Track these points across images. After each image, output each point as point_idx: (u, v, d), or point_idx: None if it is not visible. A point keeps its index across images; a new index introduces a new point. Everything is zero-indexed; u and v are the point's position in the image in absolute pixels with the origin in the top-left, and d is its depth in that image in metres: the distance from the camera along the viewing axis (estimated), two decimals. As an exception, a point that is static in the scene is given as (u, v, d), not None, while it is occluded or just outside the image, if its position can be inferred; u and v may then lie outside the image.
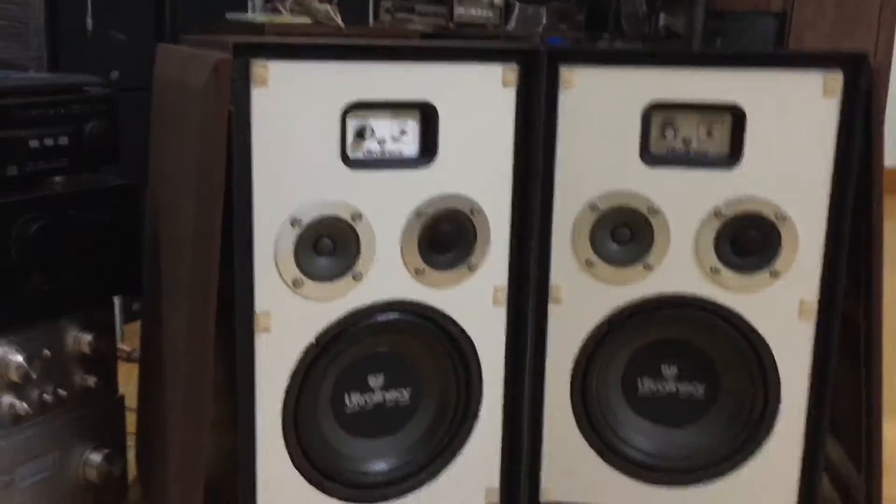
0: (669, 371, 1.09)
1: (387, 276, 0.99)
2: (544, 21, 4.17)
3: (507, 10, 3.78)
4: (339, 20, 1.72)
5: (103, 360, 1.07)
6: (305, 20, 1.74)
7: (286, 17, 1.74)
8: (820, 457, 1.06)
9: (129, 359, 1.47)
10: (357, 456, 1.04)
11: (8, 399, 0.97)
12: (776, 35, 5.60)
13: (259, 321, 0.94)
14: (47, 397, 1.01)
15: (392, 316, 1.00)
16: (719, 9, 5.67)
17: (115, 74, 1.77)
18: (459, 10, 3.31)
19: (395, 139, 0.98)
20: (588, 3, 4.59)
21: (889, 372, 1.67)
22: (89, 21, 1.70)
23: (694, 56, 1.00)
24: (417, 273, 1.00)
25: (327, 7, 1.71)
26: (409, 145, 0.99)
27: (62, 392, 1.02)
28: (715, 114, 1.01)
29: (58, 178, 1.01)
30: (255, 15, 1.74)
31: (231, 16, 1.76)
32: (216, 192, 0.85)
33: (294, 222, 0.93)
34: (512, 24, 3.83)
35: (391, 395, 1.05)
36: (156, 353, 1.08)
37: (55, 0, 1.66)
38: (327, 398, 1.02)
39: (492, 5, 3.59)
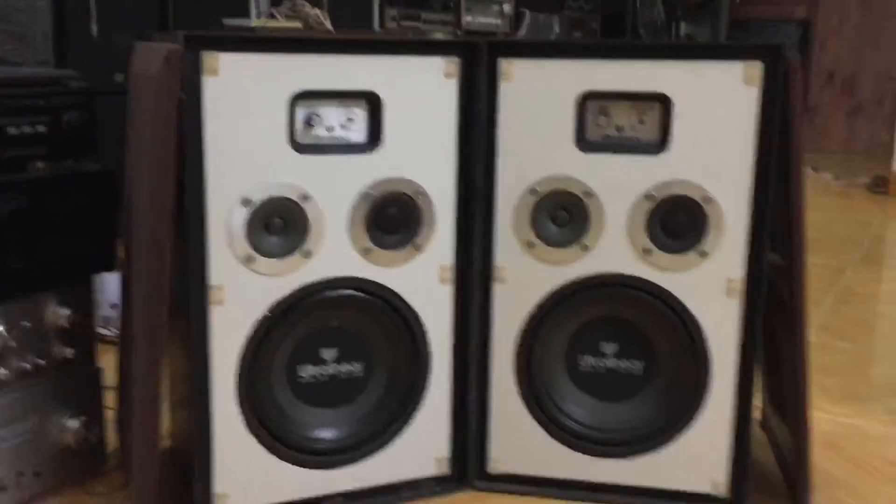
0: (609, 348, 1.15)
1: (336, 254, 1.06)
2: (557, 29, 4.23)
3: (517, 18, 3.85)
4: (328, 24, 1.81)
5: (80, 334, 1.15)
6: (297, 24, 1.83)
7: (279, 22, 1.84)
8: (748, 428, 1.11)
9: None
10: (311, 424, 1.11)
11: (-11, 365, 1.06)
12: (800, 42, 5.60)
13: (213, 294, 1.01)
14: (26, 366, 1.10)
15: (341, 292, 1.08)
16: (743, 17, 5.70)
17: (119, 77, 1.88)
18: (467, 18, 3.39)
19: (343, 126, 1.05)
20: (604, 10, 4.65)
21: (860, 358, 1.71)
22: (94, 27, 1.81)
23: (625, 48, 1.06)
24: (365, 252, 1.07)
25: (317, 12, 1.79)
26: (357, 132, 1.06)
27: (41, 362, 1.11)
28: (645, 102, 1.07)
29: (39, 165, 1.10)
30: (250, 20, 1.83)
31: (227, 21, 1.86)
32: (167, 173, 0.93)
33: (245, 202, 1.01)
34: (522, 32, 3.90)
35: (344, 368, 1.12)
36: (127, 329, 1.16)
37: (61, 6, 1.77)
38: (282, 369, 1.09)
39: (501, 13, 3.66)
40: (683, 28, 5.08)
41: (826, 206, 3.52)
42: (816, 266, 2.44)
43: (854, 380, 1.62)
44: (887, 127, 4.86)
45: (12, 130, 1.05)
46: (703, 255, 1.08)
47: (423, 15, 3.06)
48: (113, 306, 1.70)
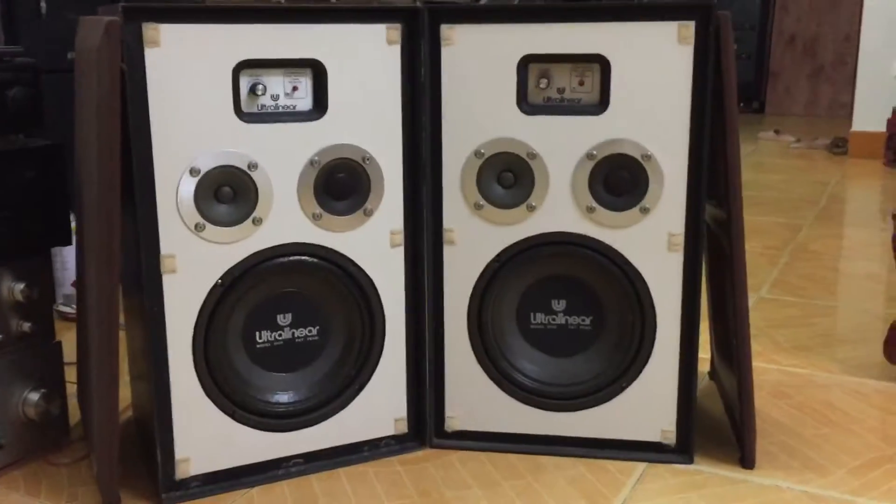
0: (559, 305, 1.18)
1: (286, 221, 1.08)
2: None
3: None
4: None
5: (38, 308, 1.17)
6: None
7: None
8: (694, 378, 1.15)
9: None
10: (268, 388, 1.14)
11: (-54, 341, 1.07)
12: (762, 5, 5.64)
13: (165, 263, 1.03)
14: (-16, 340, 1.11)
15: (292, 258, 1.10)
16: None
17: (71, 55, 1.87)
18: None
19: (288, 95, 1.07)
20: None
21: (810, 311, 1.76)
22: (43, 4, 1.80)
23: (563, 11, 1.08)
24: (315, 218, 1.09)
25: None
26: (303, 100, 1.08)
27: (-1, 336, 1.13)
28: (585, 64, 1.10)
29: (-13, 141, 1.11)
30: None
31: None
32: (113, 145, 0.95)
33: (193, 172, 1.02)
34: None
35: (300, 333, 1.15)
36: (83, 302, 1.18)
37: (10, -15, 1.76)
38: (238, 335, 1.11)
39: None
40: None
41: (786, 167, 3.58)
42: (773, 225, 2.49)
43: (803, 332, 1.67)
44: (848, 88, 4.92)
45: (-42, 107, 1.05)
46: (645, 211, 1.11)
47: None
48: (74, 284, 1.71)
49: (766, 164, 3.66)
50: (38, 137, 1.17)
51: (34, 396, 1.17)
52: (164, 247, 1.03)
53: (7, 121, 1.10)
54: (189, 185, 1.02)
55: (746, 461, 1.16)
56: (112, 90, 0.93)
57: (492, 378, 1.19)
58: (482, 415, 1.21)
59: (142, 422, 1.21)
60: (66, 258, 1.71)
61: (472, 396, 1.20)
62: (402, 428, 1.21)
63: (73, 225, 1.19)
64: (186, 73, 0.99)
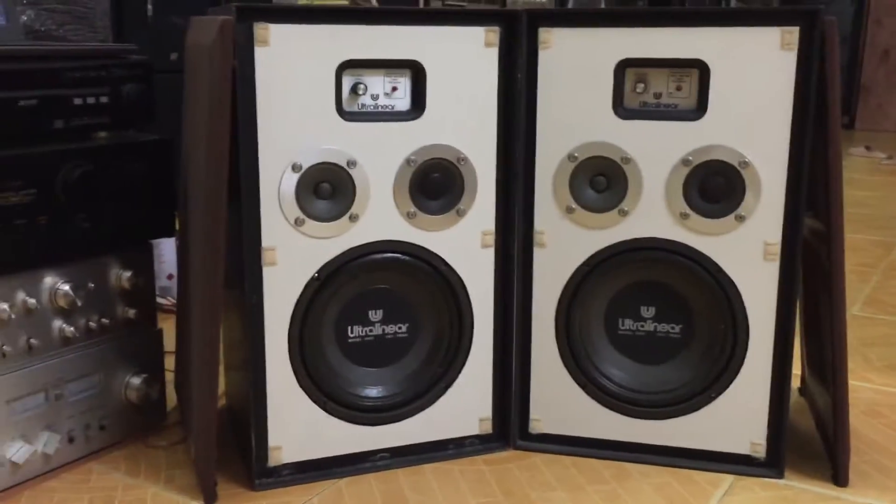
0: (648, 312, 1.18)
1: (381, 218, 1.10)
2: (603, 5, 4.21)
3: (562, -4, 3.85)
4: (374, 1, 1.85)
5: (142, 296, 1.22)
6: (343, 2, 1.87)
7: (326, 1, 1.88)
8: (786, 390, 1.13)
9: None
10: (358, 382, 1.16)
11: (58, 323, 1.13)
12: (854, 18, 5.48)
13: (265, 256, 1.07)
14: (92, 324, 1.16)
15: (386, 255, 1.12)
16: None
17: (174, 56, 1.94)
18: (512, -1, 3.41)
19: (387, 94, 1.09)
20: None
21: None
22: (149, 7, 1.87)
23: (661, 15, 1.08)
24: (409, 216, 1.12)
25: (364, -9, 1.83)
26: (401, 100, 1.10)
27: (105, 321, 1.18)
28: (683, 69, 1.09)
29: (102, 134, 1.16)
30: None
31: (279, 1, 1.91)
32: (222, 140, 0.98)
33: (295, 167, 1.05)
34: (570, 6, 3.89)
35: (390, 329, 1.17)
36: (185, 296, 1.22)
37: (119, -12, 1.84)
38: (331, 329, 1.14)
39: (546, -8, 3.67)
40: (733, 2, 5.01)
41: (877, 184, 3.47)
42: (866, 242, 2.41)
43: (898, 351, 1.62)
44: (945, 105, 4.74)
45: (77, 101, 1.11)
46: (741, 219, 1.09)
47: (468, -5, 3.10)
48: (170, 277, 1.77)
49: (857, 180, 3.55)
50: (148, 133, 1.22)
51: (136, 381, 1.22)
52: (266, 240, 1.06)
53: (121, 116, 1.16)
54: (291, 181, 1.05)
55: (840, 478, 1.13)
56: (224, 86, 0.97)
57: (577, 382, 1.19)
58: (567, 418, 1.21)
59: (235, 410, 1.25)
60: (163, 251, 1.78)
61: (558, 400, 1.20)
62: (487, 428, 1.22)
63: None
64: (293, 71, 1.03)
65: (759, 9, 0.99)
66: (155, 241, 1.35)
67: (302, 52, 1.03)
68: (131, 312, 1.20)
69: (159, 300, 1.77)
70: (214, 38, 0.96)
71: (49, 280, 1.11)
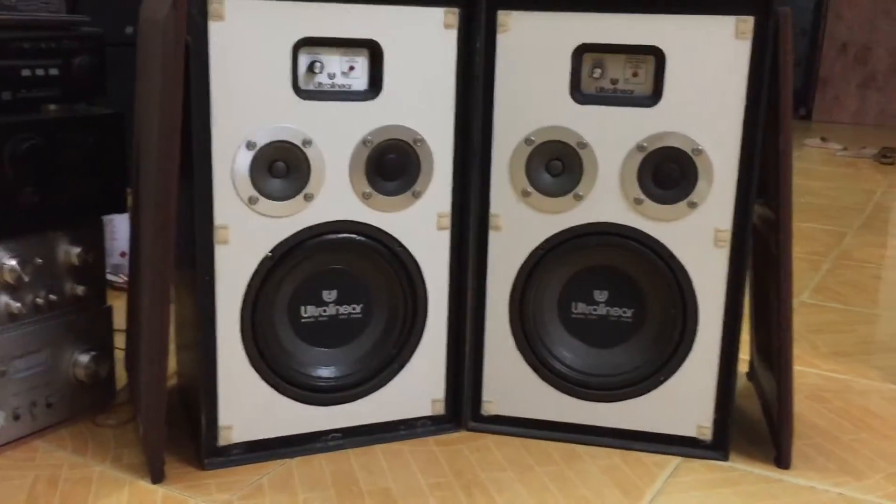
0: (601, 296, 1.19)
1: (336, 198, 1.10)
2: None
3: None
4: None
5: (91, 273, 1.20)
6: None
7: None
8: (733, 375, 1.15)
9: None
10: (311, 362, 1.16)
11: (4, 298, 1.11)
12: (815, 12, 5.56)
13: (218, 234, 1.05)
14: (39, 301, 1.14)
15: (341, 235, 1.11)
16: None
17: (129, 29, 1.91)
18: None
19: (344, 74, 1.08)
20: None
21: (851, 318, 1.75)
22: (105, -21, 1.83)
23: (620, 2, 1.08)
24: (365, 197, 1.11)
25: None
26: (358, 80, 1.09)
27: (53, 297, 1.16)
28: (639, 55, 1.10)
29: (52, 107, 1.14)
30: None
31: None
32: (175, 116, 0.97)
33: (250, 145, 1.04)
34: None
35: (344, 309, 1.16)
36: (135, 271, 1.21)
37: (74, -42, 1.80)
38: (284, 308, 1.13)
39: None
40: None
41: (831, 175, 3.53)
42: (817, 231, 2.46)
43: (843, 338, 1.66)
44: (899, 99, 4.84)
45: (26, 73, 1.08)
46: (693, 205, 1.11)
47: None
48: (122, 254, 1.75)
49: (812, 170, 3.62)
50: (100, 107, 1.20)
51: (84, 358, 1.20)
52: (219, 218, 1.05)
53: (71, 89, 1.14)
54: (245, 159, 1.04)
55: (782, 461, 1.15)
56: (177, 62, 0.95)
57: (530, 364, 1.20)
58: (519, 400, 1.22)
59: (186, 389, 1.24)
60: (116, 228, 1.75)
61: (510, 382, 1.21)
62: (440, 409, 1.22)
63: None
64: (248, 47, 1.01)
65: (714, -2, 1.01)
66: (108, 218, 1.33)
67: (257, 27, 1.01)
68: (80, 289, 1.19)
69: (112, 277, 1.75)
70: (167, 13, 0.94)
71: (-5, 255, 1.09)
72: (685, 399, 1.17)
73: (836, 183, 3.33)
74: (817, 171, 3.62)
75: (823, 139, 4.37)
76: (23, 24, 1.10)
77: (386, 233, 1.13)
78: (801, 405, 1.35)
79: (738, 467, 1.15)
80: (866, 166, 3.79)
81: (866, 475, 1.14)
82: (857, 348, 1.61)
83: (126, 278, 1.63)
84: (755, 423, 1.28)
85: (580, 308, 1.20)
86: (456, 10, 1.09)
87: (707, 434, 1.17)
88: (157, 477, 1.06)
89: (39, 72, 1.09)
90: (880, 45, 5.34)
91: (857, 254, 2.26)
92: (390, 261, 1.15)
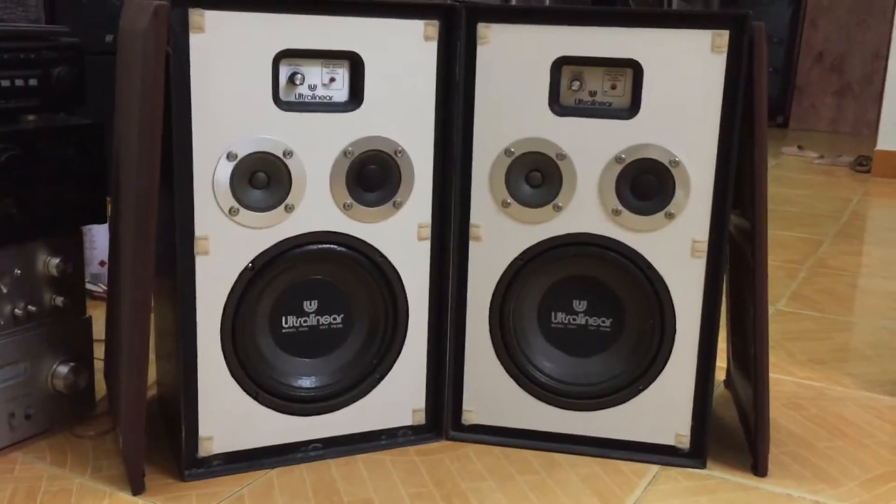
0: (580, 305, 1.20)
1: (317, 209, 1.10)
2: (547, 2, 4.25)
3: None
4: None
5: (71, 283, 1.19)
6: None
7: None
8: (710, 384, 1.16)
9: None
10: (291, 372, 1.16)
11: (-19, 310, 1.10)
12: (791, 20, 5.63)
13: (198, 245, 1.06)
14: (18, 312, 1.14)
15: (322, 245, 1.12)
16: (736, -7, 5.73)
17: (109, 38, 1.90)
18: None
19: (325, 85, 1.09)
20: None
21: (826, 326, 1.77)
22: (85, -13, 1.83)
23: (598, 14, 1.09)
24: (346, 208, 1.12)
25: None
26: (339, 91, 1.10)
27: (32, 308, 1.15)
28: (618, 68, 1.11)
29: (31, 117, 1.14)
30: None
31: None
32: (155, 127, 0.97)
33: (230, 156, 1.04)
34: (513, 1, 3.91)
35: (324, 320, 1.17)
36: (115, 281, 1.20)
37: (53, -33, 1.79)
38: (265, 318, 1.13)
39: (493, -15, 3.66)
40: (675, 3, 5.10)
41: (808, 183, 3.57)
42: (793, 239, 2.49)
43: (819, 346, 1.68)
44: (874, 107, 4.90)
45: (5, 83, 1.08)
46: (670, 216, 1.12)
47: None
48: (102, 264, 1.74)
49: (789, 178, 3.66)
50: (79, 116, 1.19)
51: (63, 369, 1.19)
52: (199, 229, 1.05)
53: (51, 99, 1.13)
54: (226, 170, 1.05)
55: (759, 469, 1.17)
56: (157, 73, 0.96)
57: (510, 374, 1.21)
58: (499, 410, 1.22)
59: (166, 400, 1.23)
60: (95, 237, 1.74)
61: (490, 391, 1.22)
62: (420, 419, 1.23)
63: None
64: (228, 59, 1.02)
65: (691, 11, 1.02)
66: (87, 228, 1.33)
67: (238, 39, 1.02)
68: (59, 300, 1.18)
69: (91, 287, 1.74)
70: (148, 24, 0.95)
71: (-27, 266, 1.08)
72: (663, 408, 1.18)
73: (813, 191, 3.38)
74: (794, 178, 3.67)
75: (800, 147, 4.42)
76: (1, 34, 1.10)
77: (367, 243, 1.14)
78: (778, 413, 1.37)
79: (715, 475, 1.17)
80: (843, 174, 3.84)
81: (841, 483, 1.16)
82: (832, 356, 1.63)
83: (105, 288, 1.63)
84: (732, 431, 1.29)
85: (560, 318, 1.21)
86: (436, 23, 1.10)
87: (685, 442, 1.18)
88: (138, 488, 1.06)
89: (18, 82, 1.09)
90: (856, 55, 5.41)
91: (833, 262, 2.29)
92: (371, 271, 1.15)
